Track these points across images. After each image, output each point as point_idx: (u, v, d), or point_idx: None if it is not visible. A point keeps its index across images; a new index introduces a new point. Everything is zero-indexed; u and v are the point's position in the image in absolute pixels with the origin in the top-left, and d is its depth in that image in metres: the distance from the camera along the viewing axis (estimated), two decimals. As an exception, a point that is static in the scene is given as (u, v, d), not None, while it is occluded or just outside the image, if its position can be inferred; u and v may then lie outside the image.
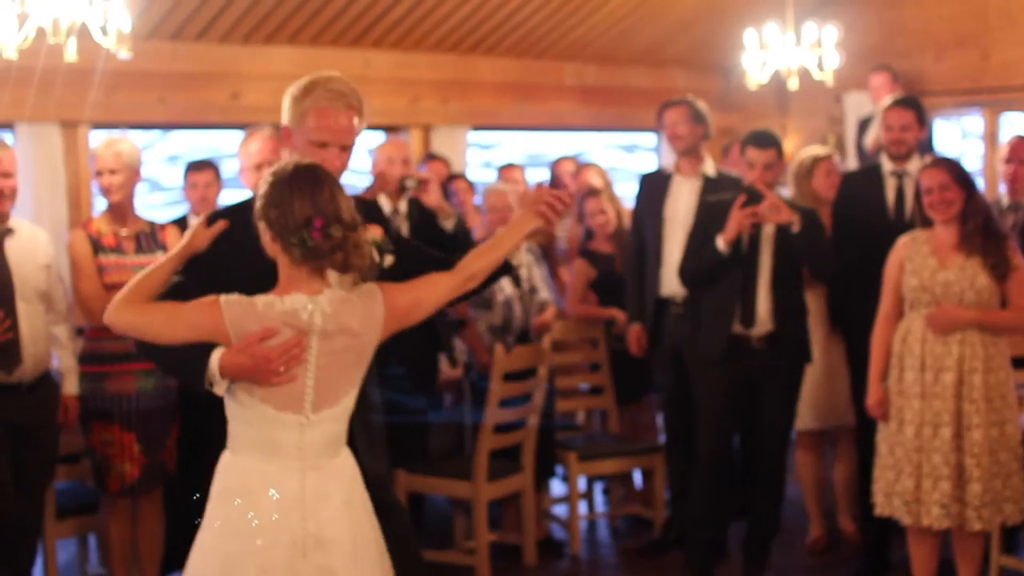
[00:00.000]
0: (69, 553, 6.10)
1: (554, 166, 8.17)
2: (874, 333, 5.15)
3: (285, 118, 3.58)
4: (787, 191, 6.33)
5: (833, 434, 6.38)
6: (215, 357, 3.22)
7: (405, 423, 6.02)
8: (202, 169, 6.19)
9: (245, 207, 3.42)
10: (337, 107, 3.55)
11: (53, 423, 5.06)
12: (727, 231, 5.45)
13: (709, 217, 5.67)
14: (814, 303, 6.00)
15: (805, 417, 6.14)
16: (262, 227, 3.26)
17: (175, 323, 3.24)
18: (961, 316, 4.89)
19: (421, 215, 6.10)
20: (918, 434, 4.92)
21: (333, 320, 3.23)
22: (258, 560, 3.20)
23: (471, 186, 7.64)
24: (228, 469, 3.31)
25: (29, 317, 4.87)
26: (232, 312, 3.20)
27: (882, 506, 5.05)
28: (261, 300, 3.21)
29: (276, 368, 3.19)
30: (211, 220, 3.51)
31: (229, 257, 3.44)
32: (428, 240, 6.05)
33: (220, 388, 3.25)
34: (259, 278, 3.29)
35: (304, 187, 3.23)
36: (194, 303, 3.23)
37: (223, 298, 3.21)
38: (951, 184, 4.93)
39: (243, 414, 3.27)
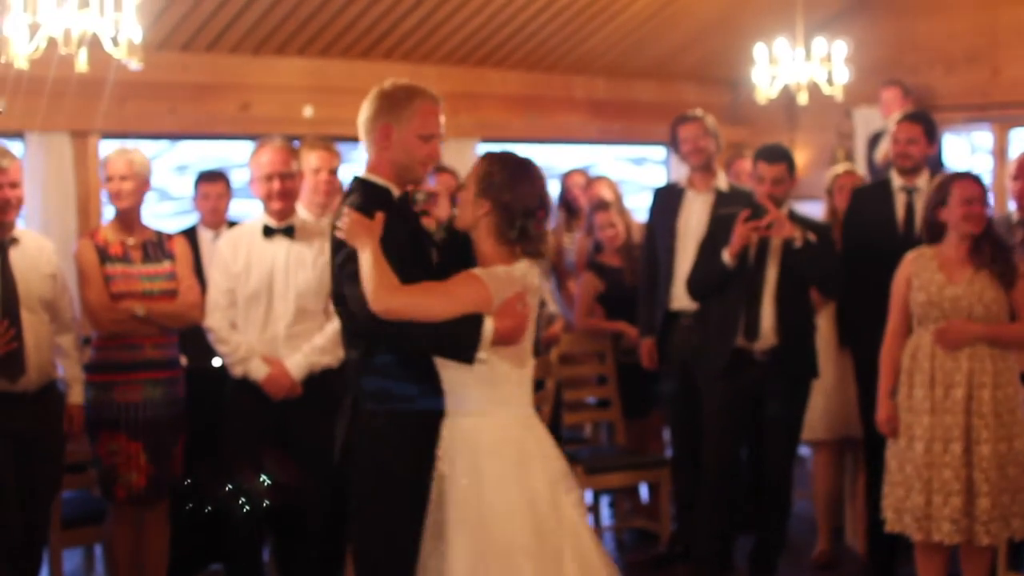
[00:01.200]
0: (75, 562, 6.10)
1: (564, 179, 8.17)
2: (883, 349, 5.13)
3: (382, 118, 3.86)
4: (819, 206, 6.39)
5: (854, 446, 6.31)
6: (489, 325, 3.58)
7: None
8: (213, 180, 6.21)
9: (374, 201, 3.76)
10: (440, 106, 4.00)
11: (58, 433, 5.06)
12: (732, 245, 5.47)
13: (719, 231, 5.67)
14: (828, 314, 6.02)
15: (819, 428, 6.14)
16: (477, 201, 3.65)
17: (452, 299, 3.57)
18: (970, 331, 4.88)
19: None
20: (928, 450, 4.91)
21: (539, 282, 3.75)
22: (541, 496, 3.63)
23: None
24: (481, 428, 3.68)
25: (33, 327, 4.87)
26: (493, 283, 3.61)
27: (892, 523, 5.03)
28: (500, 270, 3.62)
29: (526, 327, 3.68)
30: (366, 212, 3.71)
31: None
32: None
33: (484, 353, 3.60)
34: (409, 258, 3.73)
35: (532, 178, 3.70)
36: (457, 280, 3.63)
37: (478, 271, 3.63)
38: (985, 199, 4.95)
39: (489, 376, 3.66)
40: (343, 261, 3.70)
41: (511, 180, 3.66)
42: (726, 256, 5.50)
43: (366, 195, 3.80)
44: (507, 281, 3.63)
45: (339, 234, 3.68)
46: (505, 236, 3.66)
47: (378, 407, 3.79)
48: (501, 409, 3.71)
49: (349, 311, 3.70)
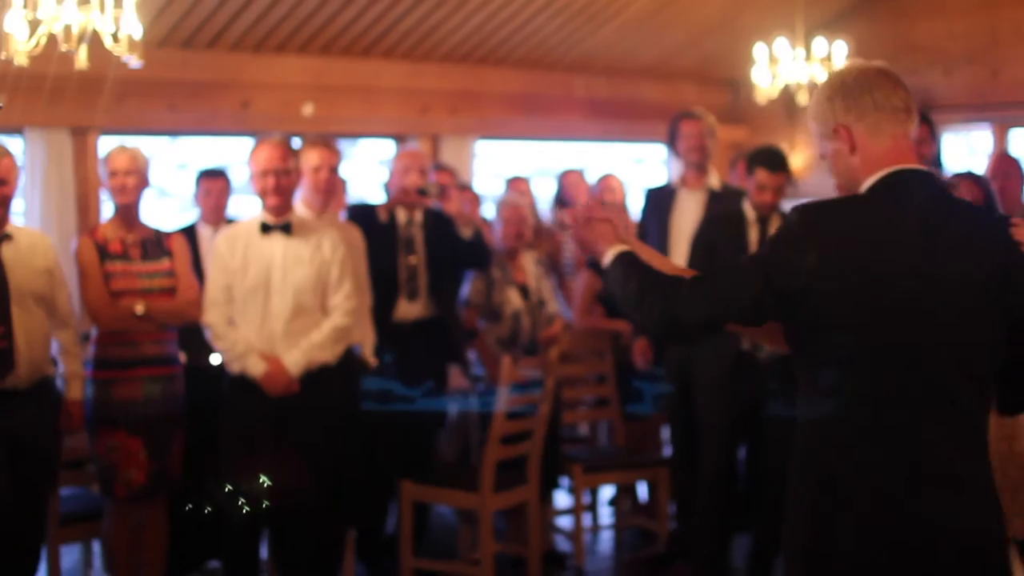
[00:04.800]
0: (73, 559, 6.10)
1: (561, 178, 8.18)
2: None
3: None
4: None
5: None
6: None
7: (411, 433, 6.03)
8: (215, 177, 6.21)
9: None
10: None
11: (52, 430, 5.03)
12: None
13: (712, 229, 5.67)
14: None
15: None
16: None
17: None
18: None
19: (436, 224, 6.11)
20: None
21: None
22: None
23: (478, 197, 7.65)
24: None
25: (25, 323, 4.83)
26: None
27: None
28: None
29: None
30: None
31: None
32: (444, 248, 6.08)
33: None
34: None
35: None
36: None
37: None
38: (982, 203, 4.93)
39: None
40: None
41: None
42: None
43: None
44: None
45: None
46: None
47: None
48: None
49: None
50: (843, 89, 2.80)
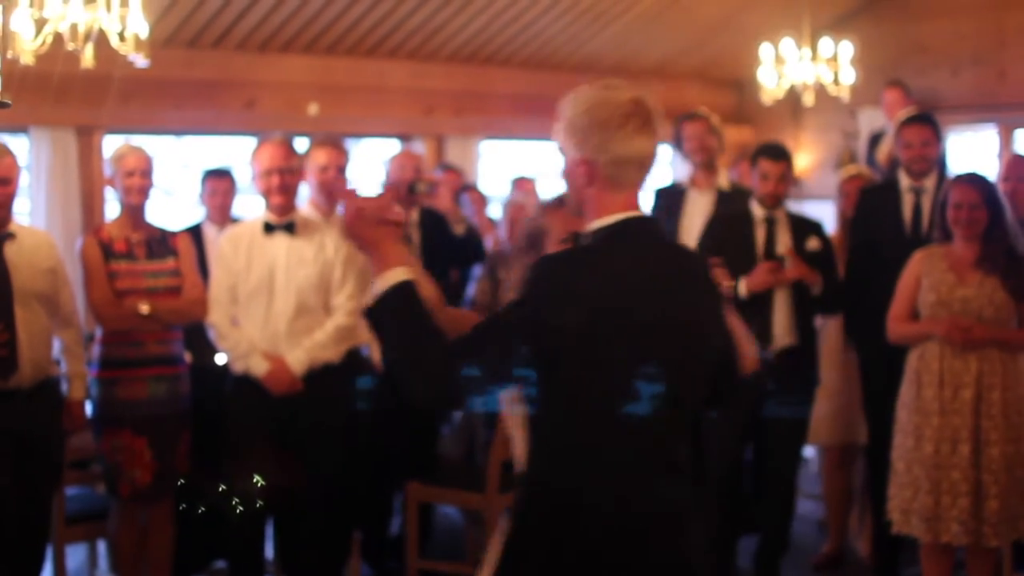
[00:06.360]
0: (79, 559, 6.10)
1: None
2: (889, 327, 5.10)
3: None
4: (823, 206, 6.41)
5: (860, 450, 6.30)
6: None
7: (416, 432, 6.02)
8: (221, 177, 6.21)
9: None
10: None
11: (56, 429, 5.03)
12: (751, 282, 5.42)
13: (718, 230, 5.67)
14: (835, 319, 6.02)
15: (823, 432, 6.12)
16: None
17: None
18: (980, 335, 4.86)
19: (432, 223, 6.11)
20: (937, 451, 4.89)
21: None
22: None
23: (483, 197, 7.64)
24: None
25: (27, 322, 4.82)
26: None
27: (899, 524, 5.02)
28: None
29: None
30: None
31: None
32: (438, 246, 6.08)
33: None
34: None
35: None
36: None
37: None
38: (980, 204, 4.91)
39: None
40: None
41: None
42: (742, 288, 5.44)
43: None
44: None
45: None
46: None
47: None
48: None
49: None
50: (604, 131, 2.78)
